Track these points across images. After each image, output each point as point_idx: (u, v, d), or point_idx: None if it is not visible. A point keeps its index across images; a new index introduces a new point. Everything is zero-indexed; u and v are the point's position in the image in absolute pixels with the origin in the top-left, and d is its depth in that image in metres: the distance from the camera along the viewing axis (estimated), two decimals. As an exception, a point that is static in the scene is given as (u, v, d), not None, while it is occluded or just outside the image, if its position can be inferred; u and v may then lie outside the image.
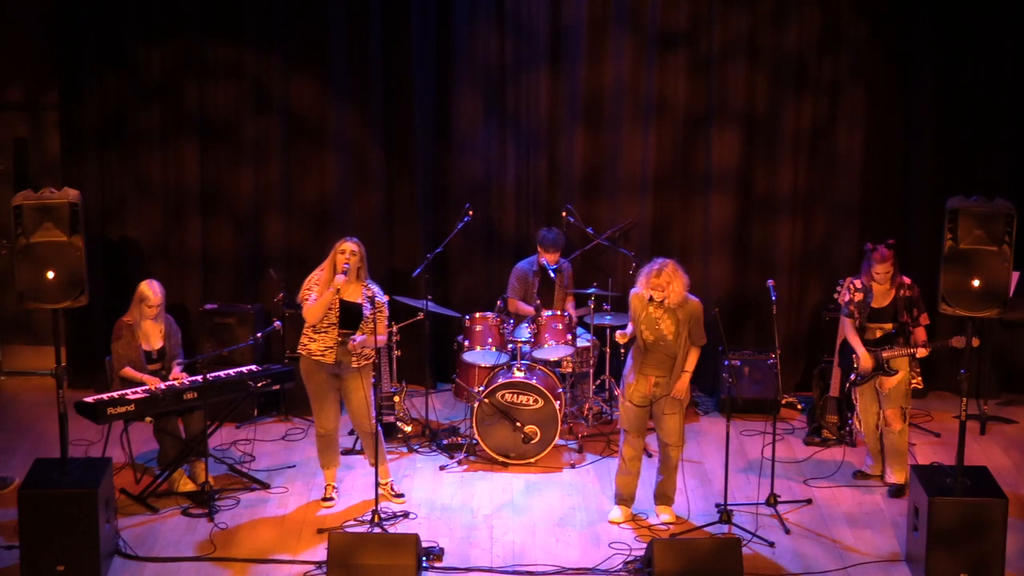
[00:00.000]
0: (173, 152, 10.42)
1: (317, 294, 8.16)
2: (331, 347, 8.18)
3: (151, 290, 8.66)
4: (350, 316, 8.14)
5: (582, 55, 10.24)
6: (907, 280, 8.47)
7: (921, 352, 8.43)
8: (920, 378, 8.61)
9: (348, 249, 8.16)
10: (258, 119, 10.40)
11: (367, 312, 8.18)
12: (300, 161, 10.49)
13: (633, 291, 8.02)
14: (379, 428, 8.30)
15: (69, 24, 10.23)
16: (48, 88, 10.53)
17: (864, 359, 8.48)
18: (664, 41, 10.22)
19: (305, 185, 10.51)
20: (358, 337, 8.14)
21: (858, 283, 8.55)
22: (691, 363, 8.01)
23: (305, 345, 8.26)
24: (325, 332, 8.18)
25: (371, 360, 8.35)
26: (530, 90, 10.34)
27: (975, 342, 7.66)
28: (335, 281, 8.09)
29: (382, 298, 8.30)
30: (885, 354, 8.46)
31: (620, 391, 8.20)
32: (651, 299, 7.85)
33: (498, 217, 10.54)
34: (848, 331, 8.59)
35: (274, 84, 10.35)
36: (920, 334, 8.47)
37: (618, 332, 8.10)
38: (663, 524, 8.17)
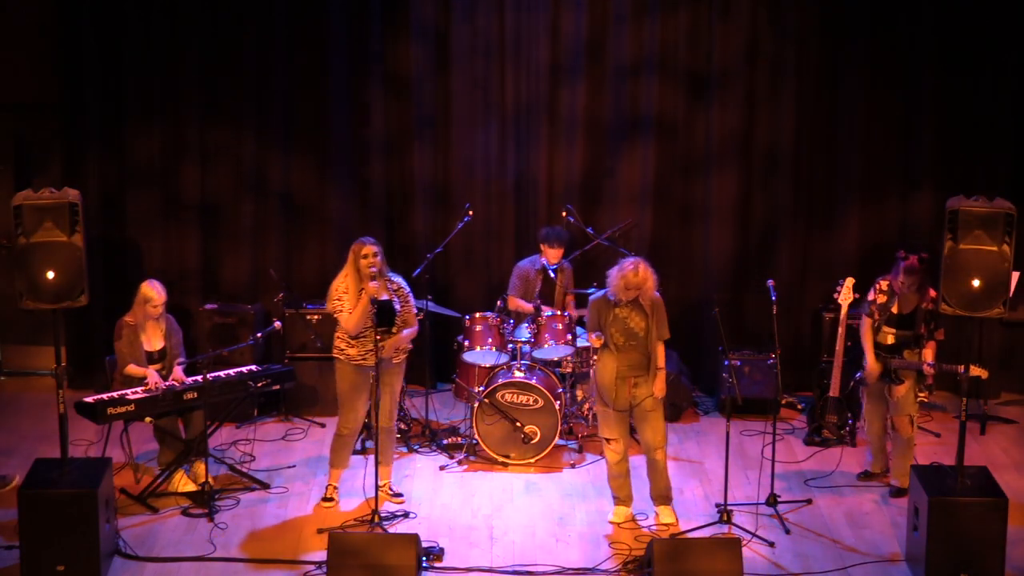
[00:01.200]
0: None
1: (350, 303, 8.15)
2: (371, 350, 8.16)
3: (154, 291, 8.66)
4: (384, 314, 8.08)
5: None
6: (933, 293, 8.40)
7: (927, 369, 8.41)
8: (927, 392, 8.60)
9: (371, 251, 8.13)
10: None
11: (398, 307, 8.18)
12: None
13: (593, 297, 8.03)
14: (395, 427, 8.39)
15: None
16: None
17: (871, 367, 8.48)
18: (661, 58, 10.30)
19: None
20: (388, 350, 8.15)
21: (884, 284, 8.53)
22: (662, 359, 8.02)
23: (343, 350, 8.24)
24: (364, 336, 8.16)
25: (407, 352, 8.38)
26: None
27: (984, 374, 7.69)
28: (369, 288, 8.03)
29: (406, 288, 8.32)
30: (895, 363, 8.46)
31: (595, 402, 8.14)
32: (616, 302, 7.86)
33: (498, 219, 10.58)
34: (864, 333, 8.57)
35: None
36: (930, 349, 8.44)
37: (592, 335, 8.04)
38: (663, 524, 8.16)
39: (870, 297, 8.60)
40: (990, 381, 9.92)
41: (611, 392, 8.00)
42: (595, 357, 8.18)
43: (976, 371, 7.92)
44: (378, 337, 8.05)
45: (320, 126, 10.44)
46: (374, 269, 8.09)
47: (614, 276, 7.91)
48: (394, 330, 8.17)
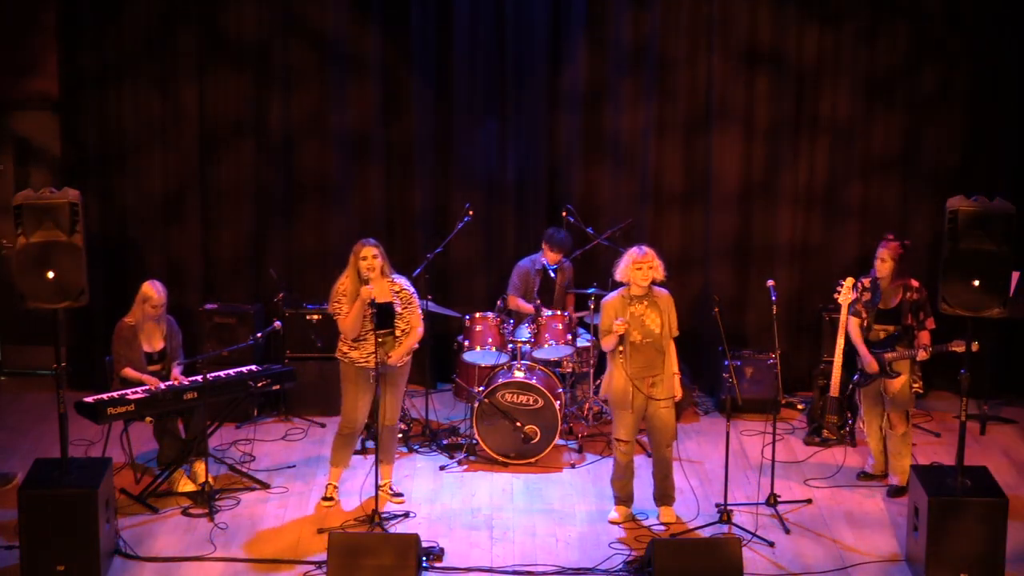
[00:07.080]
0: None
1: (347, 306, 8.13)
2: (372, 352, 8.14)
3: (154, 290, 8.66)
4: (384, 316, 8.08)
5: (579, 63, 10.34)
6: (915, 283, 8.45)
7: (921, 355, 8.42)
8: (920, 383, 8.60)
9: (369, 254, 8.10)
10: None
11: (399, 309, 8.16)
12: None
13: (605, 299, 8.02)
14: (397, 426, 8.39)
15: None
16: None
17: (870, 364, 8.48)
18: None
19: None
20: (391, 363, 8.15)
21: (866, 282, 8.56)
22: (675, 362, 8.04)
23: (346, 353, 8.23)
24: (364, 339, 8.14)
25: (411, 355, 8.38)
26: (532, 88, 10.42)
27: (975, 347, 7.66)
28: (364, 292, 8.02)
29: (410, 289, 8.29)
30: (888, 356, 8.46)
31: (610, 405, 8.11)
32: (631, 300, 7.86)
33: (498, 216, 10.58)
34: (853, 333, 8.57)
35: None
36: (924, 337, 8.46)
37: (617, 321, 7.85)
38: (663, 524, 8.16)
39: (854, 296, 8.60)
40: (990, 381, 9.94)
41: (628, 396, 7.98)
42: (621, 353, 7.98)
43: (961, 347, 7.88)
44: (379, 340, 8.04)
45: (321, 125, 10.44)
46: (370, 272, 8.08)
47: (622, 261, 7.93)
48: (397, 332, 8.15)
